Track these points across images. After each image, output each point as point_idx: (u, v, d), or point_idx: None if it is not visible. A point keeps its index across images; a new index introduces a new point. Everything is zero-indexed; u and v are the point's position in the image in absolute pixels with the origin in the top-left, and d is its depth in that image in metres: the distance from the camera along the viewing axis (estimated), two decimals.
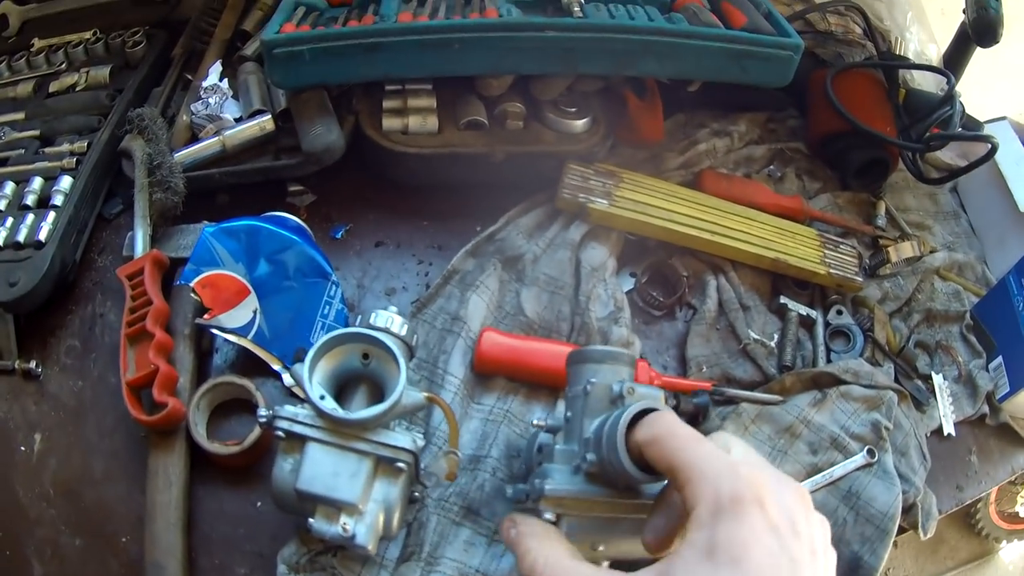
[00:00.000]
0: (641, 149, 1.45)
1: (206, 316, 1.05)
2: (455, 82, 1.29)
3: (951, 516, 1.40)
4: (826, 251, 1.40)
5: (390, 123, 1.27)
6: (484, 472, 1.06)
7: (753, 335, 1.29)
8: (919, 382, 1.36)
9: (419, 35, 1.17)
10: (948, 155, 1.72)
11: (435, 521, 1.01)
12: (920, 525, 1.17)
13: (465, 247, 1.26)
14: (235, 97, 1.31)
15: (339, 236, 1.27)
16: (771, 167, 1.58)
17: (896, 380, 1.34)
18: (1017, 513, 2.59)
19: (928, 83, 1.70)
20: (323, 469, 0.84)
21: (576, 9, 1.24)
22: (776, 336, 1.31)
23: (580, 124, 1.35)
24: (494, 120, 1.32)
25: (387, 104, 1.28)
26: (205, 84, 1.29)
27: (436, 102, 1.29)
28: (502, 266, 1.24)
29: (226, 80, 1.31)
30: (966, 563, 2.89)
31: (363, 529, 0.83)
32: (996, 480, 1.37)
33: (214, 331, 1.05)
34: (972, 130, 1.65)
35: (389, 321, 0.96)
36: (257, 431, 0.98)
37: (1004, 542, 2.71)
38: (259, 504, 1.02)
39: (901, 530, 1.13)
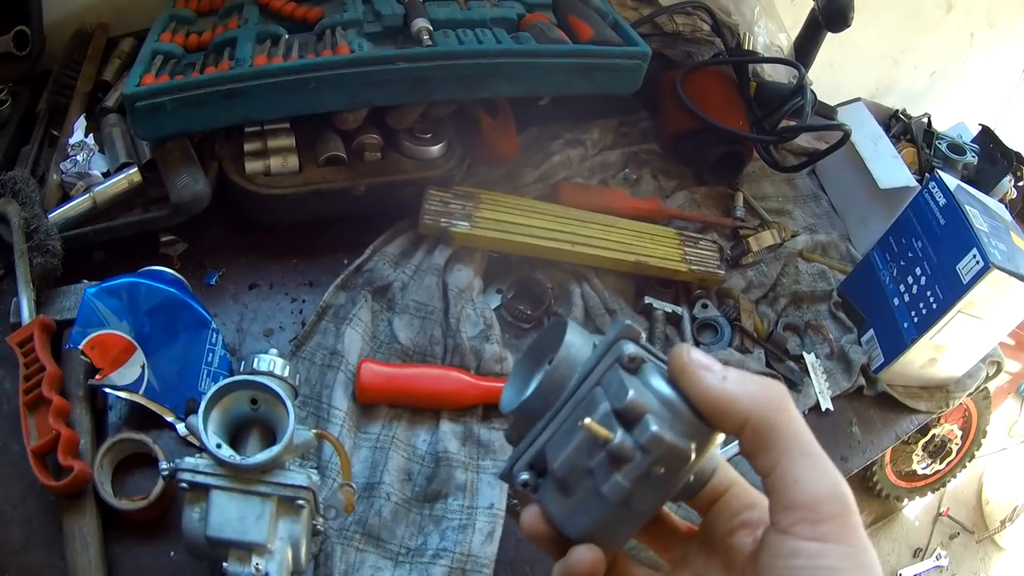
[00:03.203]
0: (498, 166, 1.65)
1: (98, 376, 1.19)
2: (312, 119, 1.44)
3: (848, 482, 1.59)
4: (686, 248, 1.61)
5: (252, 166, 1.44)
6: (379, 498, 1.24)
7: None
8: (791, 363, 1.57)
9: (275, 77, 1.33)
10: (806, 139, 1.96)
11: (340, 551, 1.18)
12: None
13: (335, 282, 1.43)
14: (101, 151, 1.44)
15: (213, 282, 1.43)
16: (626, 170, 1.79)
17: (768, 364, 1.56)
18: (914, 471, 2.87)
19: (781, 74, 1.90)
20: (230, 515, 0.99)
21: (425, 37, 1.42)
22: (644, 335, 1.49)
23: (436, 149, 1.54)
24: (353, 153, 1.50)
25: (248, 146, 1.44)
26: (72, 141, 1.42)
27: (295, 140, 1.46)
28: (372, 297, 1.43)
29: (91, 135, 1.45)
30: (871, 525, 3.17)
31: (275, 567, 0.98)
32: (881, 447, 1.60)
33: (107, 390, 1.20)
34: (825, 116, 1.90)
35: (271, 364, 1.13)
36: (161, 484, 1.12)
37: (906, 500, 3.00)
38: (172, 554, 1.15)
39: None
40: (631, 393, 0.62)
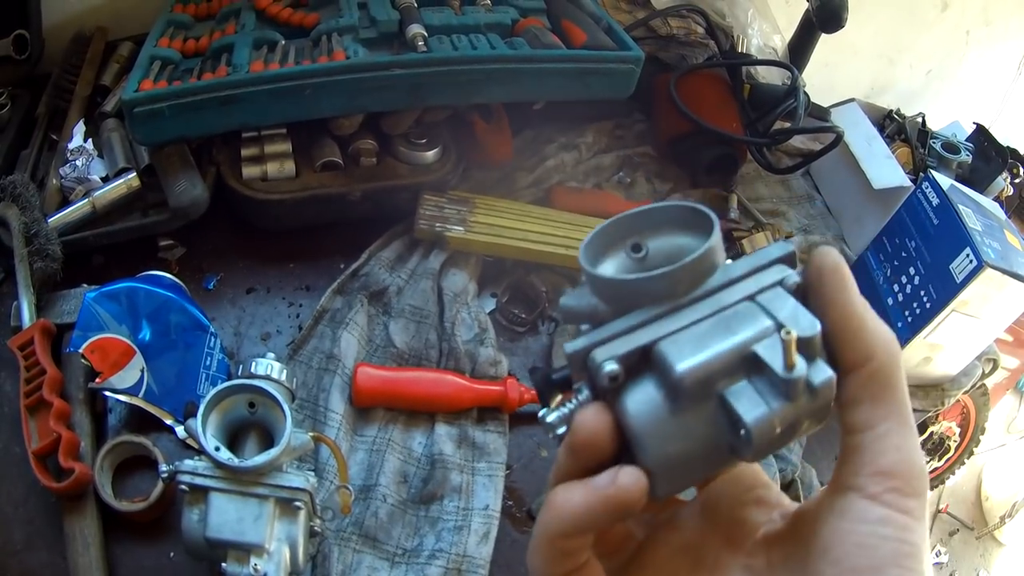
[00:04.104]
0: (492, 171, 1.67)
1: (98, 380, 1.21)
2: (309, 124, 1.48)
3: None
4: None
5: (249, 171, 1.46)
6: (376, 500, 1.26)
7: None
8: None
9: (271, 84, 1.36)
10: (801, 140, 1.97)
11: (337, 552, 1.19)
12: (802, 499, 1.38)
13: (331, 286, 1.46)
14: (100, 156, 1.46)
15: (211, 286, 1.45)
16: (620, 173, 1.81)
17: None
18: None
19: (775, 76, 1.92)
20: (228, 516, 1.01)
21: (420, 43, 1.44)
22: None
23: (431, 155, 1.57)
24: (349, 158, 1.52)
25: (245, 152, 1.46)
26: (71, 146, 1.44)
27: (292, 146, 1.48)
28: (368, 301, 1.45)
29: (90, 140, 1.47)
30: None
31: (273, 568, 1.00)
32: None
33: (107, 393, 1.22)
34: (819, 118, 1.92)
35: (269, 368, 1.15)
36: (160, 485, 1.14)
37: None
38: (172, 555, 1.16)
39: None
40: (818, 326, 0.53)
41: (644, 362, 0.55)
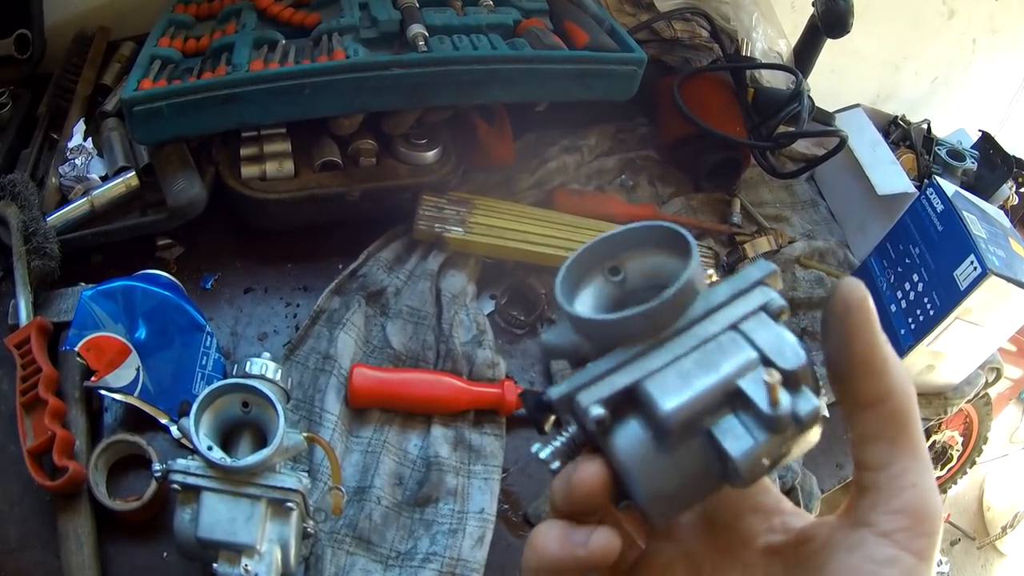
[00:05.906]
0: (493, 172, 1.67)
1: (93, 378, 1.21)
2: (308, 124, 1.47)
3: (840, 492, 1.57)
4: None
5: (248, 171, 1.45)
6: (370, 502, 1.25)
7: None
8: None
9: (271, 83, 1.35)
10: (805, 145, 1.97)
11: (330, 554, 1.19)
12: (802, 506, 1.39)
13: (329, 286, 1.45)
14: (100, 154, 1.46)
15: (209, 286, 1.45)
16: (623, 177, 1.80)
17: None
18: None
19: (780, 80, 1.92)
20: (220, 516, 1.01)
21: (421, 43, 1.43)
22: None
23: (431, 155, 1.56)
24: (348, 158, 1.51)
25: (244, 151, 1.46)
26: (71, 145, 1.44)
27: (291, 145, 1.47)
28: (366, 302, 1.45)
29: (90, 139, 1.46)
30: None
31: (264, 569, 1.00)
32: None
33: (102, 392, 1.22)
34: (823, 122, 1.91)
35: (264, 368, 1.15)
36: (154, 485, 1.14)
37: None
38: (165, 555, 1.16)
39: None
40: (803, 357, 0.52)
41: (630, 401, 0.55)
